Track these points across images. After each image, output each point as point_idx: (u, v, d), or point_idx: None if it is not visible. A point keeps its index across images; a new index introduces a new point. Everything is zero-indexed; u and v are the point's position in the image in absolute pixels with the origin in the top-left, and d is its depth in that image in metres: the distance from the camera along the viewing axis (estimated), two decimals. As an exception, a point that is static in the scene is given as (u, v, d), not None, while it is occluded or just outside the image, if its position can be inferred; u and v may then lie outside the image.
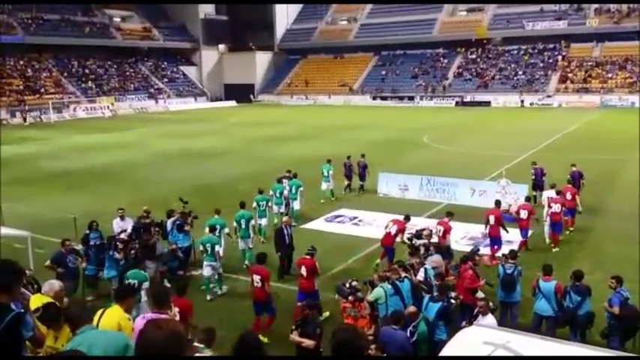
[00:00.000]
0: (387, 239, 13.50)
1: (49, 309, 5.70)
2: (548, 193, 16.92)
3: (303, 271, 11.09)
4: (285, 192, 17.98)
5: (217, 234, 13.42)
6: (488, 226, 14.53)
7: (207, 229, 13.56)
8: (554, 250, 15.21)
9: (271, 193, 17.65)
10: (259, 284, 10.46)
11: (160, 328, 2.99)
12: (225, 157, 31.98)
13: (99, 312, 6.12)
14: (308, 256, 11.25)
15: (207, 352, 6.51)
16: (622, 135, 37.41)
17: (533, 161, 20.89)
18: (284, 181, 18.54)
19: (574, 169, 19.35)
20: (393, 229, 13.49)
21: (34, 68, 69.22)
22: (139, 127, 50.99)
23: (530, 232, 15.55)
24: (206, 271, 12.78)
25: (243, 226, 14.36)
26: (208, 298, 12.53)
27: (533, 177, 19.76)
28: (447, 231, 13.41)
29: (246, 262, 14.19)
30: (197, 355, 6.18)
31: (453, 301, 9.57)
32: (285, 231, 13.70)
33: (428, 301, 9.33)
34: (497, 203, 15.31)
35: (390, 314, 8.71)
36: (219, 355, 6.43)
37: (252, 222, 14.72)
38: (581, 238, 16.15)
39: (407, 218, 14.00)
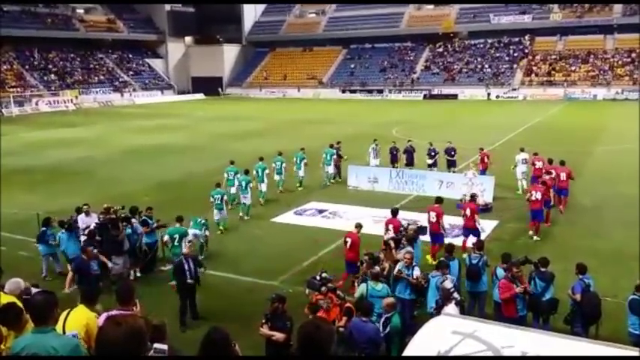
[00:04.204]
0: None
1: (10, 309, 5.48)
2: (522, 156, 19.79)
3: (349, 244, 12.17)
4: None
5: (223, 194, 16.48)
6: (465, 218, 14.61)
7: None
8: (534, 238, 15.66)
9: (273, 165, 20.77)
10: None
11: (119, 325, 2.93)
12: (192, 153, 31.57)
13: (64, 313, 5.79)
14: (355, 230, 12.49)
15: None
16: (585, 128, 38.34)
17: (449, 141, 23.69)
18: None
19: (449, 145, 22.87)
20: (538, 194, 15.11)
21: (-6, 61, 67.12)
22: (105, 121, 49.93)
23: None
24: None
25: (244, 186, 18.03)
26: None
27: (449, 157, 22.56)
28: (439, 215, 13.89)
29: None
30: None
31: None
32: (186, 265, 10.86)
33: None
34: (473, 196, 15.31)
35: (361, 306, 8.71)
36: (185, 355, 6.22)
37: (252, 184, 18.30)
38: (545, 230, 16.44)
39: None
